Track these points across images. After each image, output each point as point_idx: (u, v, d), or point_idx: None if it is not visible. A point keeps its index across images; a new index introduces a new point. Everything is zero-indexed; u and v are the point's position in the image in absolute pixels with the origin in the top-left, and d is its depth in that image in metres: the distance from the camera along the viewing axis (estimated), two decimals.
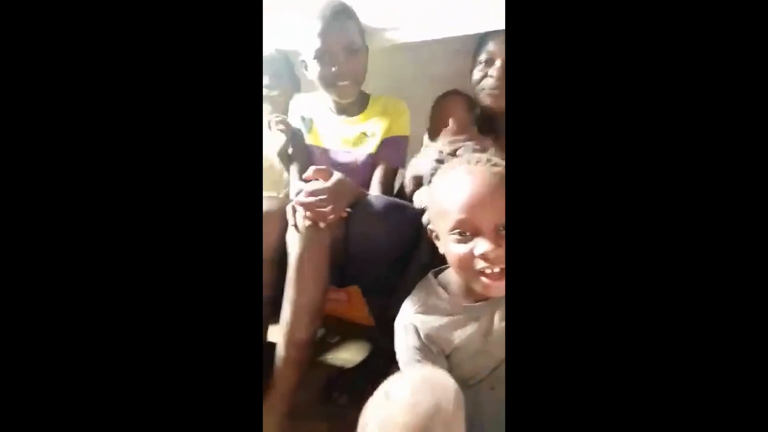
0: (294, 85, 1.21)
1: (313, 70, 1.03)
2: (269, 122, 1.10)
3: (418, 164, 1.01)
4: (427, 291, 0.75)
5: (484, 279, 0.63)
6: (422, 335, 0.70)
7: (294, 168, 1.09)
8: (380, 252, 0.85)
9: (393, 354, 0.74)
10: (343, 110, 1.09)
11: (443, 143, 1.01)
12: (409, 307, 0.73)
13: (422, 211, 0.87)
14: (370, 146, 1.06)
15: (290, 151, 1.09)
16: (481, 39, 1.05)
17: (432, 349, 0.70)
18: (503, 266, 0.62)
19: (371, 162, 1.06)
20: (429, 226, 0.74)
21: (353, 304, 1.13)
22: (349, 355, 1.15)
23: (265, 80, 1.15)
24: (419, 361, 0.70)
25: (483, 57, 1.04)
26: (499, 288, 0.63)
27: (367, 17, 1.04)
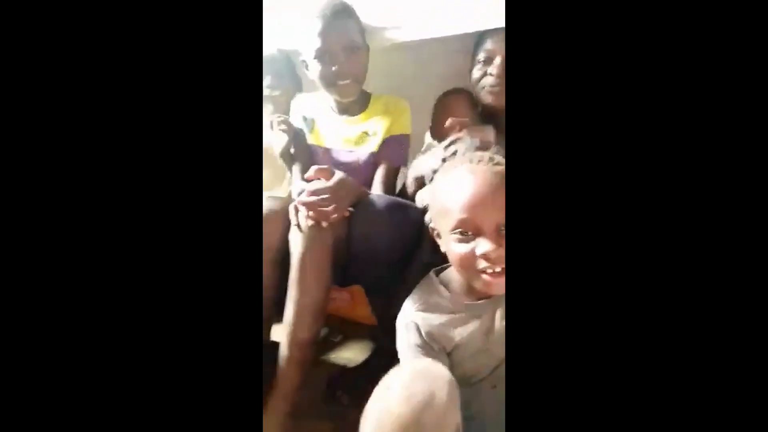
0: (295, 85, 1.21)
1: (314, 70, 1.03)
2: (271, 122, 1.10)
3: (420, 164, 1.00)
4: (428, 289, 0.75)
5: (485, 276, 0.63)
6: (423, 333, 0.70)
7: (296, 168, 1.09)
8: (382, 251, 0.85)
9: (396, 353, 0.74)
10: (344, 110, 1.09)
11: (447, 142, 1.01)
12: (411, 305, 0.74)
13: (424, 210, 0.86)
14: (372, 145, 1.06)
15: (292, 150, 1.10)
16: (479, 38, 1.05)
17: (433, 347, 0.70)
18: (504, 266, 0.62)
19: (373, 161, 1.06)
20: (431, 225, 0.74)
21: (356, 303, 1.13)
22: (351, 355, 1.16)
23: (267, 80, 1.15)
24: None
25: (482, 56, 1.03)
26: (500, 285, 0.63)
27: (367, 16, 1.04)
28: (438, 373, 0.56)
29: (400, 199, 0.91)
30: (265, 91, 1.15)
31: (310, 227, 0.83)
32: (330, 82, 1.02)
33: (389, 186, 1.05)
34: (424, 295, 0.74)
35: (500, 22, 0.96)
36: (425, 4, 1.03)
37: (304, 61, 1.05)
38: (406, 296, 0.76)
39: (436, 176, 0.74)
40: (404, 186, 1.07)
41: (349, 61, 1.00)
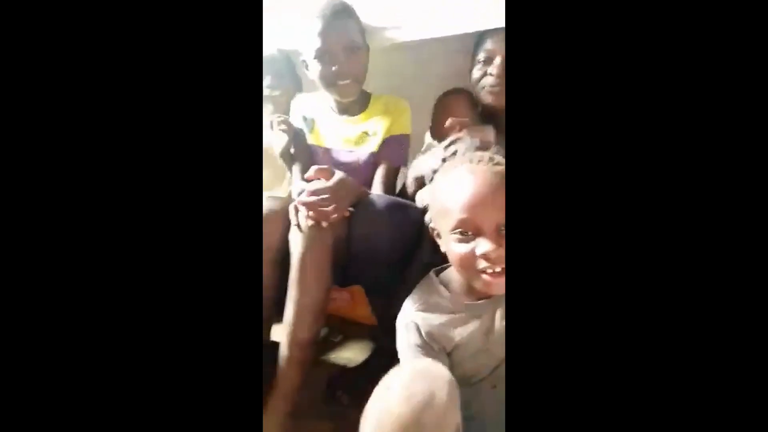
0: (296, 85, 1.21)
1: (313, 70, 1.03)
2: (271, 122, 1.10)
3: (420, 164, 1.00)
4: (428, 289, 0.75)
5: (485, 276, 0.63)
6: (423, 333, 0.70)
7: (296, 168, 1.09)
8: (383, 251, 0.85)
9: (396, 353, 0.74)
10: (344, 110, 1.09)
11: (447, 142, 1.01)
12: (411, 305, 0.74)
13: (424, 210, 0.86)
14: (372, 145, 1.06)
15: (292, 150, 1.10)
16: (479, 38, 1.05)
17: (433, 347, 0.70)
18: (504, 266, 0.62)
19: (373, 161, 1.06)
20: (430, 225, 0.74)
21: (356, 303, 1.13)
22: (352, 355, 1.16)
23: (267, 80, 1.15)
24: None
25: (481, 56, 1.03)
26: (500, 285, 0.63)
27: (367, 16, 1.04)
28: (438, 373, 0.57)
29: (400, 199, 0.91)
30: (266, 91, 1.15)
31: (310, 227, 0.83)
32: (330, 82, 1.02)
33: (389, 186, 1.05)
34: (424, 295, 0.74)
35: (500, 22, 0.96)
36: (425, 4, 1.03)
37: (304, 61, 1.05)
38: (407, 296, 0.76)
39: (436, 176, 0.74)
40: (404, 186, 1.07)
41: (349, 61, 1.00)
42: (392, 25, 1.06)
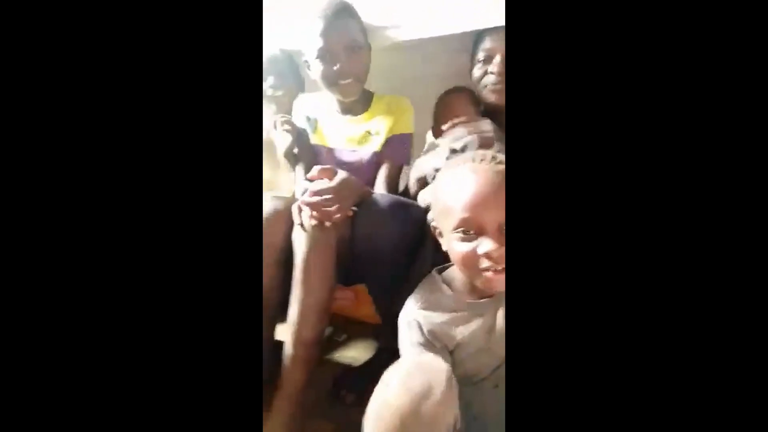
0: (298, 85, 1.21)
1: (315, 70, 1.03)
2: (275, 122, 1.10)
3: (422, 165, 1.00)
4: (430, 288, 0.75)
5: (487, 275, 0.64)
6: (425, 331, 0.70)
7: (300, 167, 1.10)
8: (386, 250, 0.85)
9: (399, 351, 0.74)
10: (347, 109, 1.10)
11: (449, 141, 1.01)
12: (413, 304, 0.74)
13: (427, 210, 0.87)
14: (375, 144, 1.06)
15: (296, 150, 1.10)
16: (477, 37, 1.04)
17: (435, 345, 0.70)
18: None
19: (376, 160, 1.06)
20: (432, 223, 0.74)
21: (360, 302, 1.13)
22: (356, 354, 1.16)
23: (270, 80, 1.15)
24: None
25: (481, 55, 1.03)
26: (501, 284, 0.63)
27: (368, 15, 1.04)
28: (436, 366, 0.57)
29: (403, 198, 0.91)
30: (269, 92, 1.15)
31: (314, 227, 0.83)
32: (331, 81, 1.02)
33: (392, 185, 1.05)
34: (426, 293, 0.74)
35: (500, 20, 0.95)
36: (426, 2, 1.03)
37: (306, 61, 1.06)
38: (410, 295, 0.76)
39: (439, 175, 0.74)
40: (407, 186, 1.07)
41: (351, 61, 1.00)
42: (393, 24, 1.06)
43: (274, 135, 1.10)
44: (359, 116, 1.09)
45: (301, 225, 0.84)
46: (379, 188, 1.03)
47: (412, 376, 0.55)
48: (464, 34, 1.02)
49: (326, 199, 0.81)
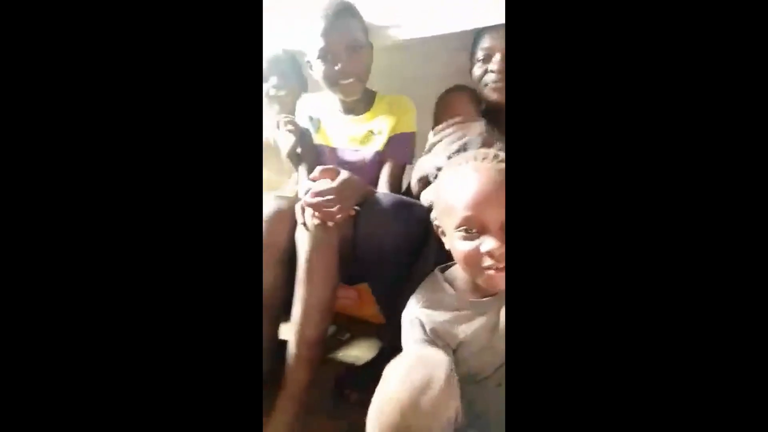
0: (301, 85, 1.22)
1: (317, 70, 1.03)
2: (278, 122, 1.11)
3: (424, 164, 1.00)
4: (433, 286, 0.75)
5: (489, 273, 0.64)
6: (428, 329, 0.71)
7: (303, 167, 1.10)
8: (389, 249, 0.85)
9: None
10: (349, 109, 1.10)
11: (450, 140, 1.01)
12: (415, 302, 0.74)
13: (430, 209, 0.87)
14: (378, 144, 1.06)
15: (299, 150, 1.10)
16: (476, 36, 1.04)
17: (438, 344, 0.70)
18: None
19: (379, 160, 1.06)
20: (435, 222, 0.74)
21: (363, 301, 1.14)
22: (359, 353, 1.16)
23: (273, 81, 1.16)
24: None
25: (480, 54, 1.03)
26: (503, 280, 0.63)
27: (369, 15, 1.04)
28: (436, 359, 0.57)
29: (405, 198, 0.91)
30: (271, 92, 1.16)
31: (317, 227, 0.83)
32: (333, 81, 1.02)
33: (395, 184, 1.05)
34: (428, 292, 0.74)
35: (500, 18, 0.95)
36: (426, 1, 1.03)
37: (308, 61, 1.06)
38: (413, 294, 0.76)
39: (441, 174, 0.74)
40: (409, 186, 1.07)
41: (352, 60, 1.00)
42: (394, 23, 1.06)
43: (277, 135, 1.10)
44: (362, 116, 1.09)
45: (304, 225, 0.85)
46: (382, 187, 1.03)
47: (412, 370, 0.55)
48: (464, 32, 1.02)
49: (328, 200, 0.81)
